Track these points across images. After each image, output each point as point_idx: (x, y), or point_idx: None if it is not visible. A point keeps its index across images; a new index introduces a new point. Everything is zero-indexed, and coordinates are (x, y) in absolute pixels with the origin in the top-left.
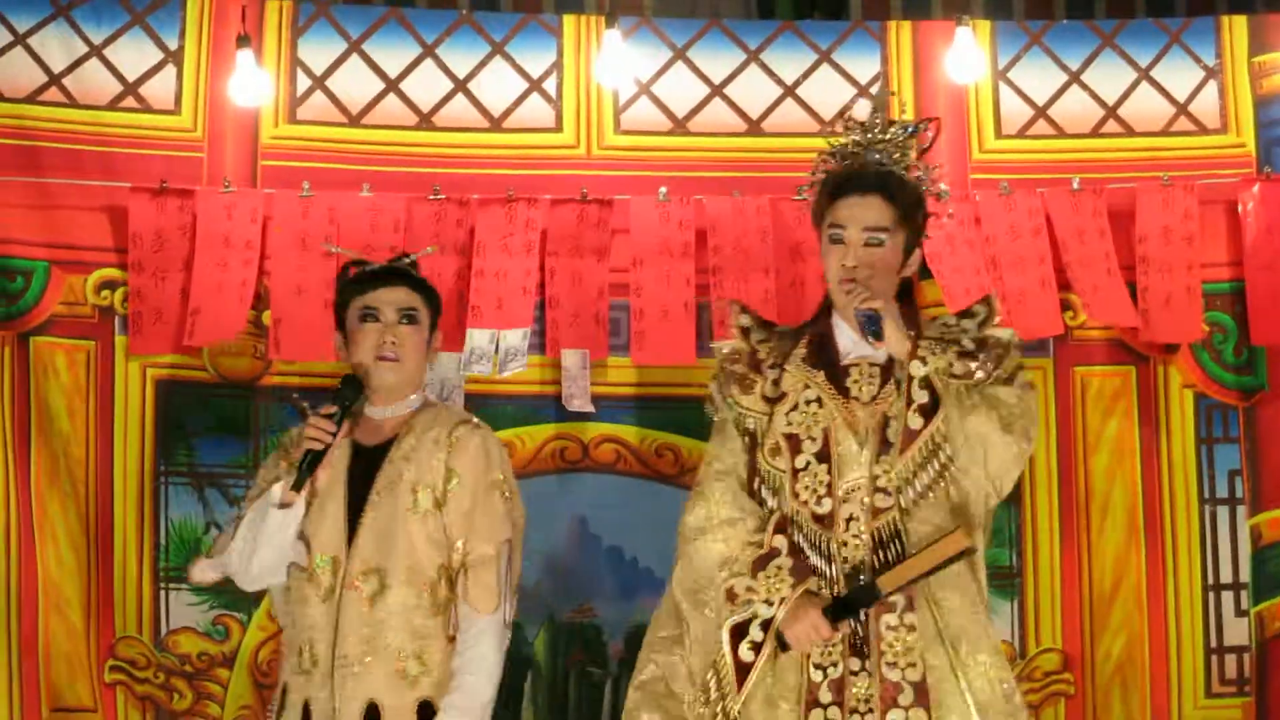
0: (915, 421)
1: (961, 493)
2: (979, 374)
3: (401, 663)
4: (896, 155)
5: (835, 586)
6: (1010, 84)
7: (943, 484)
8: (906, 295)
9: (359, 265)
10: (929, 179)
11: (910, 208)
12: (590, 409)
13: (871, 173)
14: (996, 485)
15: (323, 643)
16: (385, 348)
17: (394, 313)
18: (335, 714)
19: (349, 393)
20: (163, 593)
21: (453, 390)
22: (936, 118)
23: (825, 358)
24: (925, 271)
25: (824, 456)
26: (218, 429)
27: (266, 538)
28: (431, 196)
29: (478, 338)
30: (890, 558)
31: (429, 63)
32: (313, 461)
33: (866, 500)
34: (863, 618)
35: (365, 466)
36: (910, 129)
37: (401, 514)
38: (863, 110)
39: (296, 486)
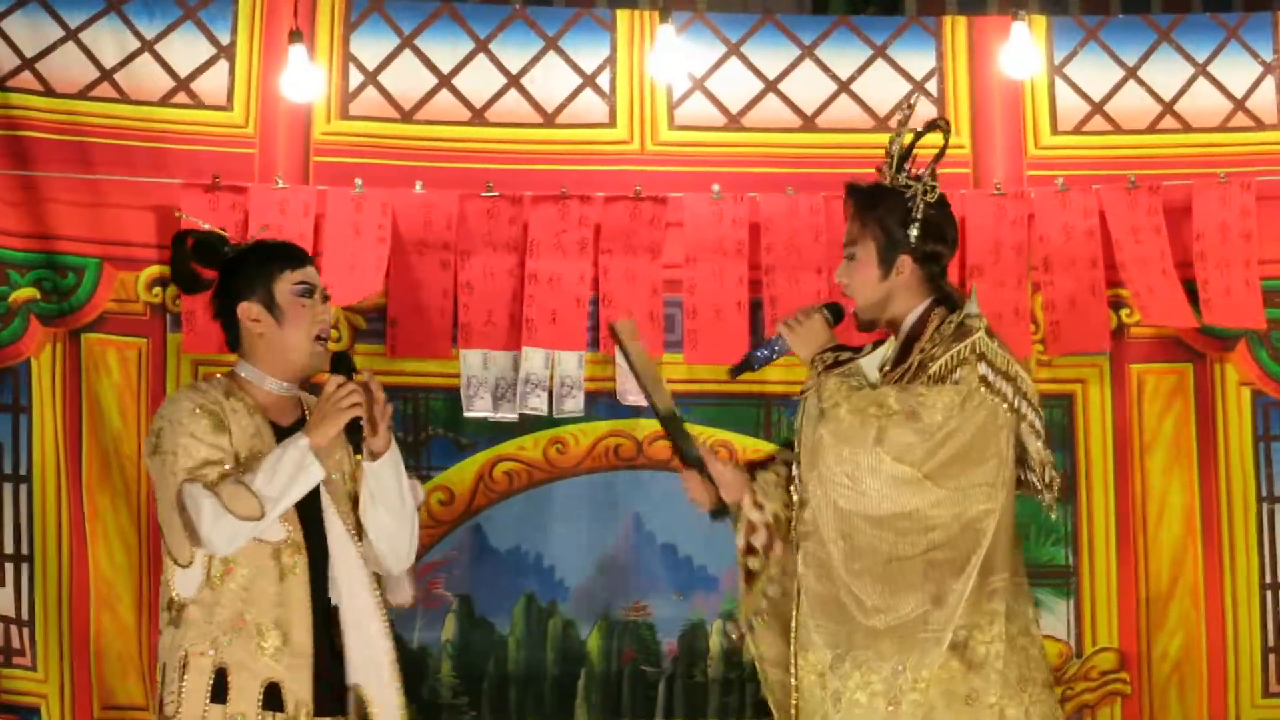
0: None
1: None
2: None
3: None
4: (893, 164)
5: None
6: (1066, 79)
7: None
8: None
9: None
10: (914, 185)
11: (875, 214)
12: (645, 404)
13: (846, 187)
14: (832, 496)
15: (295, 625)
16: (324, 328)
17: (321, 293)
18: (332, 693)
19: (350, 366)
20: None
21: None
22: (945, 119)
23: None
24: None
25: None
26: None
27: (290, 500)
28: (484, 193)
29: (533, 360)
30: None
31: (481, 58)
32: (360, 427)
33: None
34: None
35: None
36: (912, 135)
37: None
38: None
39: (358, 451)
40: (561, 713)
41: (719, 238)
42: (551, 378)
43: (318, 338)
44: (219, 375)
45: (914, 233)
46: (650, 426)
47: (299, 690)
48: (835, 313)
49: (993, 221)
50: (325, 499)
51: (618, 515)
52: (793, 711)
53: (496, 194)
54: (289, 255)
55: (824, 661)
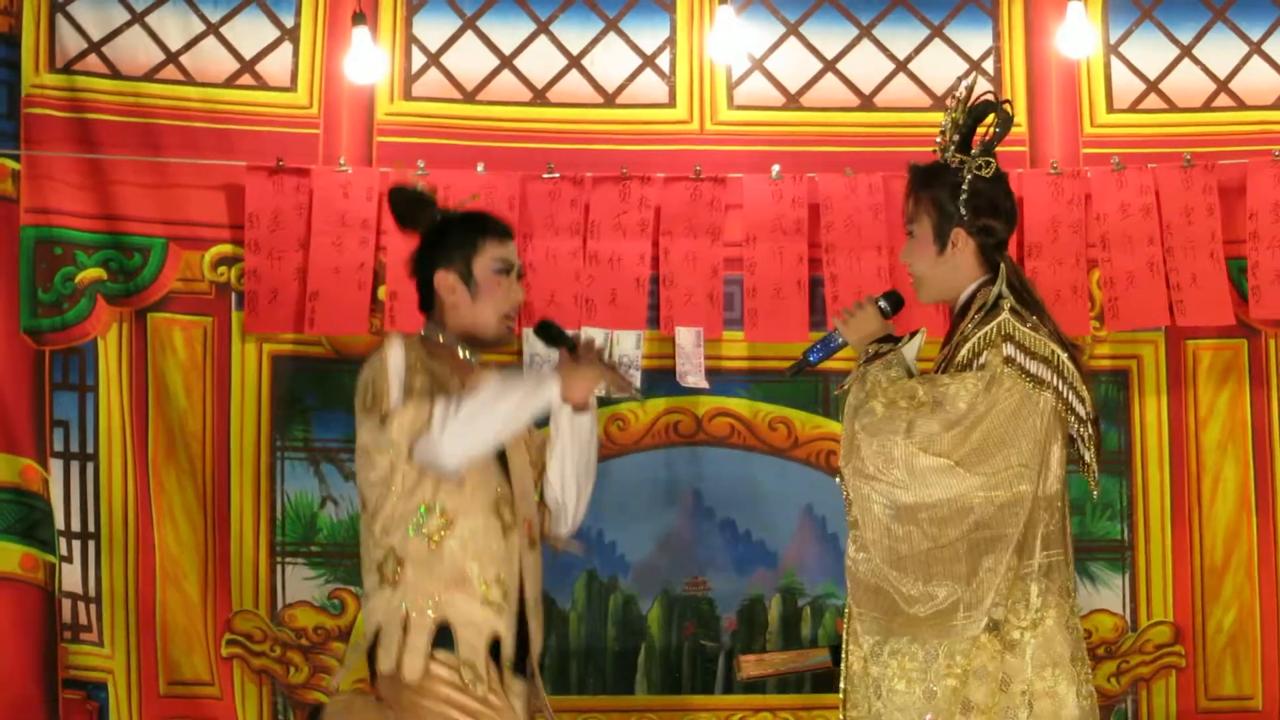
0: None
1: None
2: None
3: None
4: (953, 139)
5: None
6: (1121, 58)
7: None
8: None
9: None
10: (967, 160)
11: (929, 192)
12: (704, 385)
13: (908, 169)
14: (865, 487)
15: (511, 579)
16: (515, 307)
17: (517, 270)
18: (523, 654)
19: (562, 333)
20: (279, 567)
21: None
22: (1007, 100)
23: None
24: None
25: None
26: (334, 404)
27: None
28: (546, 175)
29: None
30: None
31: (543, 39)
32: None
33: None
34: None
35: None
36: (973, 110)
37: (524, 466)
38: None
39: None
40: (621, 686)
41: (778, 217)
42: (611, 357)
43: (506, 315)
44: (413, 336)
45: (964, 206)
46: (710, 403)
47: (509, 647)
48: (893, 301)
49: (1050, 200)
50: (517, 460)
51: (677, 491)
52: (841, 697)
53: (558, 175)
54: (493, 230)
55: (866, 648)
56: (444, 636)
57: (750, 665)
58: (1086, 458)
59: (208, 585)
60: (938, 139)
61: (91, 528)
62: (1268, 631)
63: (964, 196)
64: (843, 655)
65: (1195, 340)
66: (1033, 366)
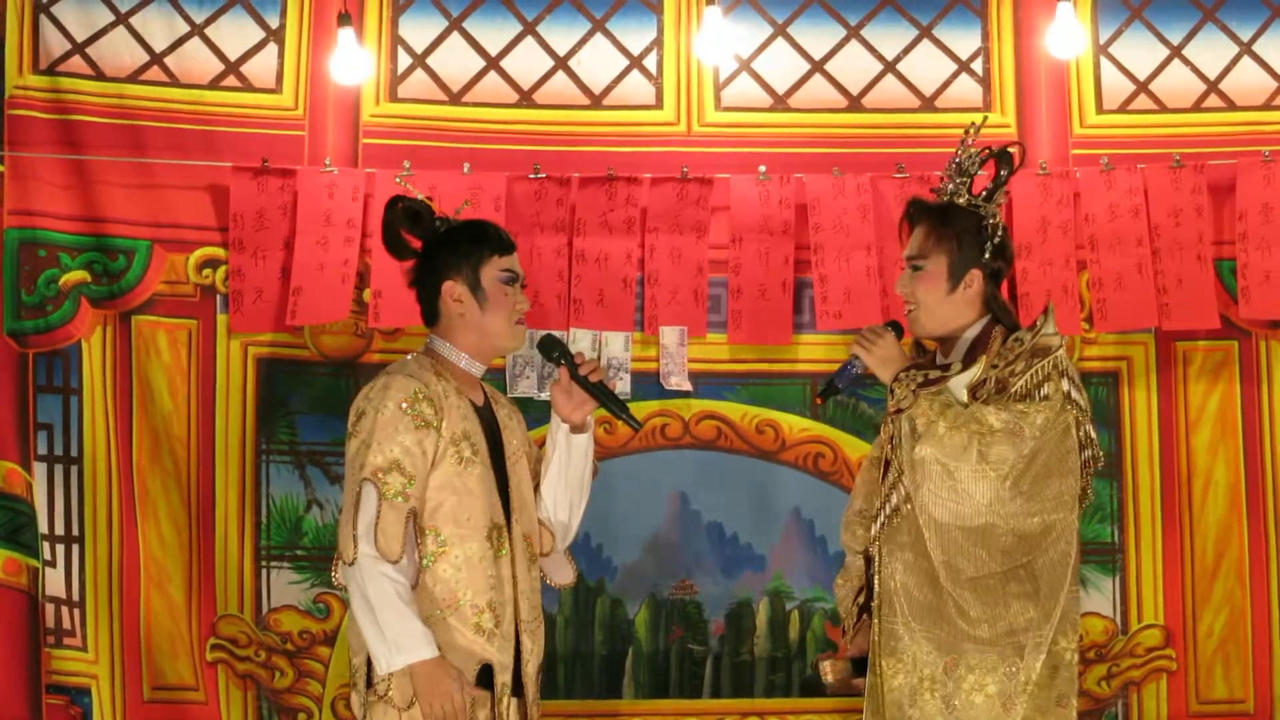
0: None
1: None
2: (901, 408)
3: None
4: (963, 181)
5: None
6: (1111, 58)
7: (899, 512)
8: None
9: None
10: (984, 204)
11: (949, 230)
12: (688, 387)
13: (911, 204)
14: (935, 510)
15: (503, 606)
16: (522, 315)
17: (520, 280)
18: (517, 676)
19: (563, 349)
20: (264, 571)
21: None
22: (1017, 142)
23: None
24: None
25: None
26: (319, 407)
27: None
28: (532, 175)
29: (580, 341)
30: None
31: (529, 40)
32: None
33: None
34: None
35: (487, 424)
36: (981, 157)
37: (525, 478)
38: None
39: (619, 416)
40: (609, 691)
41: (765, 218)
42: (599, 358)
43: (515, 325)
44: (419, 354)
45: (989, 250)
46: (697, 406)
47: (504, 672)
48: (899, 331)
49: (1039, 201)
50: (517, 474)
51: (664, 495)
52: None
53: (544, 176)
54: (498, 241)
55: (933, 667)
56: None
57: (830, 671)
58: (1088, 488)
59: (192, 589)
60: (946, 183)
61: (75, 531)
62: (1259, 634)
63: (994, 243)
64: (877, 675)
65: (1185, 342)
66: (1079, 400)
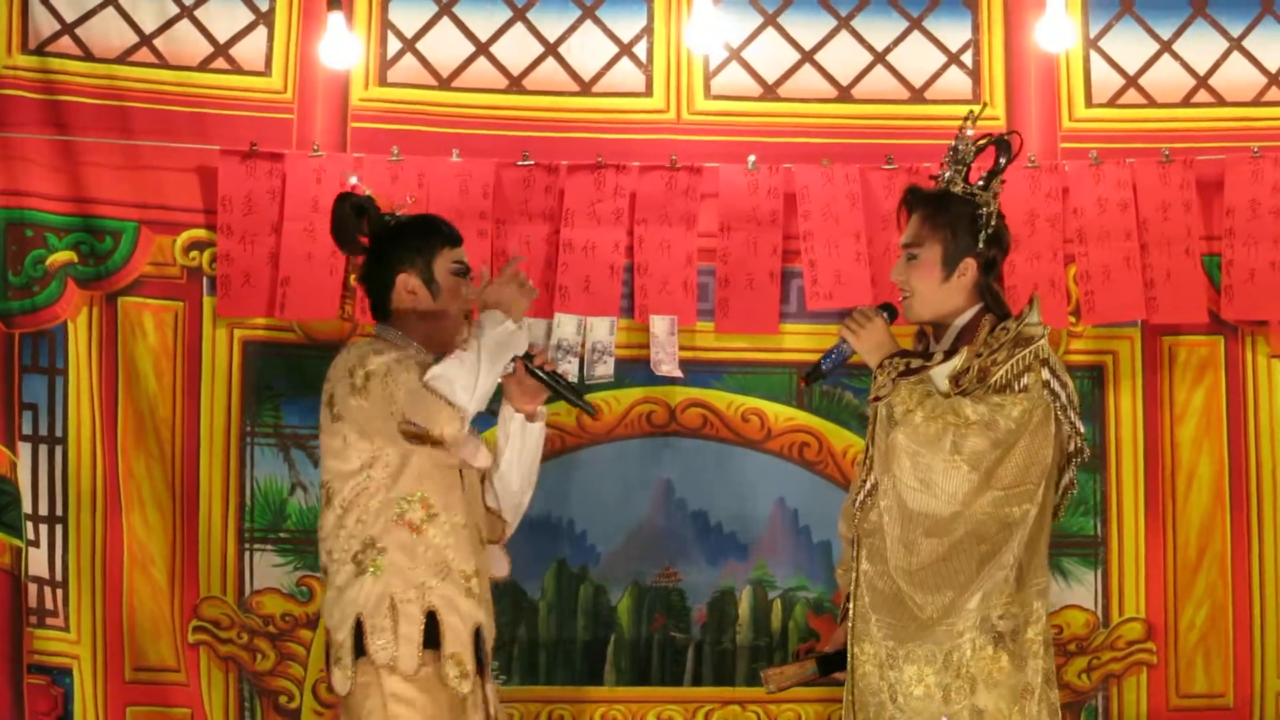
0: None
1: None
2: (879, 395)
3: None
4: (959, 169)
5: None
6: (1101, 52)
7: (871, 497)
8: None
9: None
10: (980, 192)
11: (944, 218)
12: (678, 374)
13: (909, 191)
14: (903, 498)
15: (481, 569)
16: (472, 306)
17: (469, 272)
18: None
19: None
20: (247, 553)
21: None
22: (1015, 132)
23: None
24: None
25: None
26: (304, 390)
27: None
28: (520, 162)
29: (565, 326)
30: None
31: (519, 26)
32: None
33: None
34: None
35: None
36: (978, 144)
37: (471, 470)
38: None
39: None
40: (591, 678)
41: (754, 207)
42: (583, 342)
43: (465, 316)
44: (364, 339)
45: (983, 239)
46: (684, 394)
47: (489, 637)
48: (891, 314)
49: (1027, 194)
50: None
51: (649, 482)
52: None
53: (532, 163)
54: (449, 234)
55: (882, 654)
56: (431, 626)
57: (772, 680)
58: (1071, 476)
59: (175, 571)
60: (945, 171)
61: (59, 512)
62: (1240, 629)
63: (989, 232)
64: (850, 663)
65: (1171, 336)
66: (1060, 391)
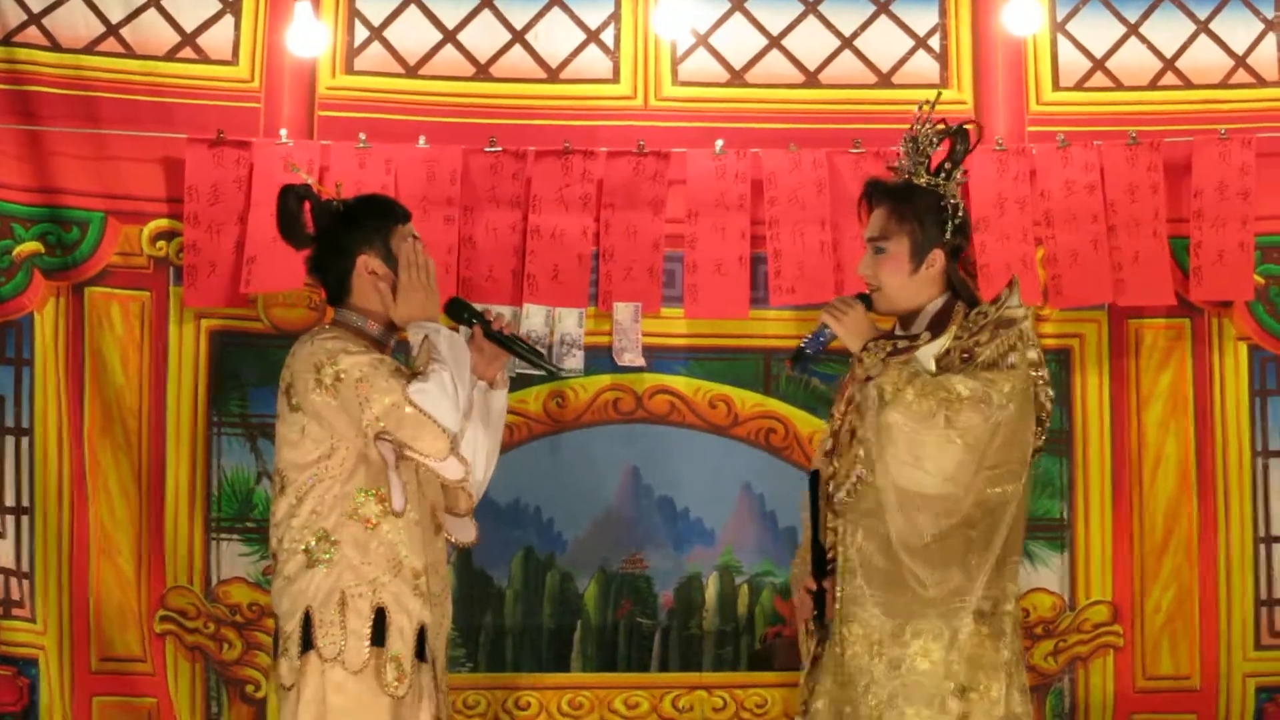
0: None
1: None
2: (870, 376)
3: None
4: (920, 159)
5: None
6: (1068, 36)
7: (863, 480)
8: (961, 291)
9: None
10: (943, 183)
11: (910, 211)
12: (641, 363)
13: (871, 185)
14: (899, 477)
15: (434, 568)
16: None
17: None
18: (433, 642)
19: (470, 308)
20: (214, 543)
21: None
22: (973, 120)
23: None
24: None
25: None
26: (271, 380)
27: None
28: (488, 148)
29: (534, 317)
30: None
31: (486, 13)
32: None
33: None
34: None
35: None
36: (938, 134)
37: None
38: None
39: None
40: (558, 664)
41: (721, 193)
42: (552, 334)
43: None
44: (328, 327)
45: (949, 229)
46: (650, 380)
47: (436, 636)
48: (868, 304)
49: (995, 177)
50: None
51: (616, 468)
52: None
53: (500, 149)
54: (400, 210)
55: (882, 631)
56: (379, 623)
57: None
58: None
59: (142, 561)
60: (904, 160)
61: (25, 502)
62: (1206, 611)
63: (954, 222)
64: (839, 645)
65: (1138, 319)
66: (1042, 372)
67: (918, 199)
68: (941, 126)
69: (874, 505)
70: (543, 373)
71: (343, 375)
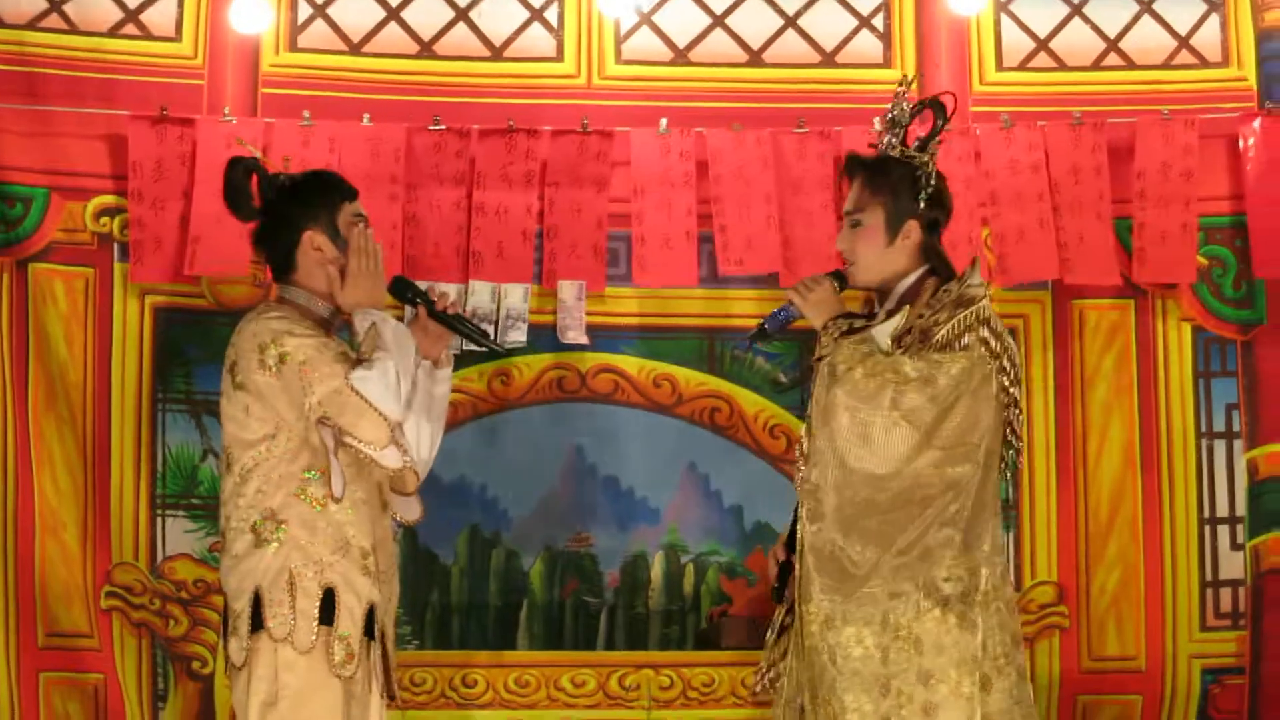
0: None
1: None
2: (821, 354)
3: None
4: (895, 133)
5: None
6: (1012, 16)
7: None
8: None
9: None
10: (918, 154)
11: (885, 182)
12: (584, 341)
13: (848, 159)
14: (842, 455)
15: (381, 545)
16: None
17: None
18: (382, 620)
19: (413, 288)
20: (159, 519)
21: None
22: (949, 93)
23: None
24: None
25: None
26: (216, 357)
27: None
28: (432, 127)
29: (480, 293)
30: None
31: None
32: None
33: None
34: None
35: None
36: (914, 108)
37: None
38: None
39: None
40: (503, 642)
41: (666, 170)
42: (498, 310)
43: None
44: (272, 304)
45: (923, 202)
46: (595, 359)
47: (384, 614)
48: (841, 281)
49: (940, 157)
50: None
51: (561, 447)
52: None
53: (444, 127)
54: (347, 187)
55: (830, 612)
56: (327, 603)
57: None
58: (1015, 443)
59: (87, 536)
60: (883, 135)
61: None
62: (1151, 592)
63: (928, 192)
64: (798, 623)
65: (1082, 300)
66: (1000, 352)
67: (891, 170)
68: (918, 104)
69: (814, 484)
70: (487, 350)
71: (286, 357)
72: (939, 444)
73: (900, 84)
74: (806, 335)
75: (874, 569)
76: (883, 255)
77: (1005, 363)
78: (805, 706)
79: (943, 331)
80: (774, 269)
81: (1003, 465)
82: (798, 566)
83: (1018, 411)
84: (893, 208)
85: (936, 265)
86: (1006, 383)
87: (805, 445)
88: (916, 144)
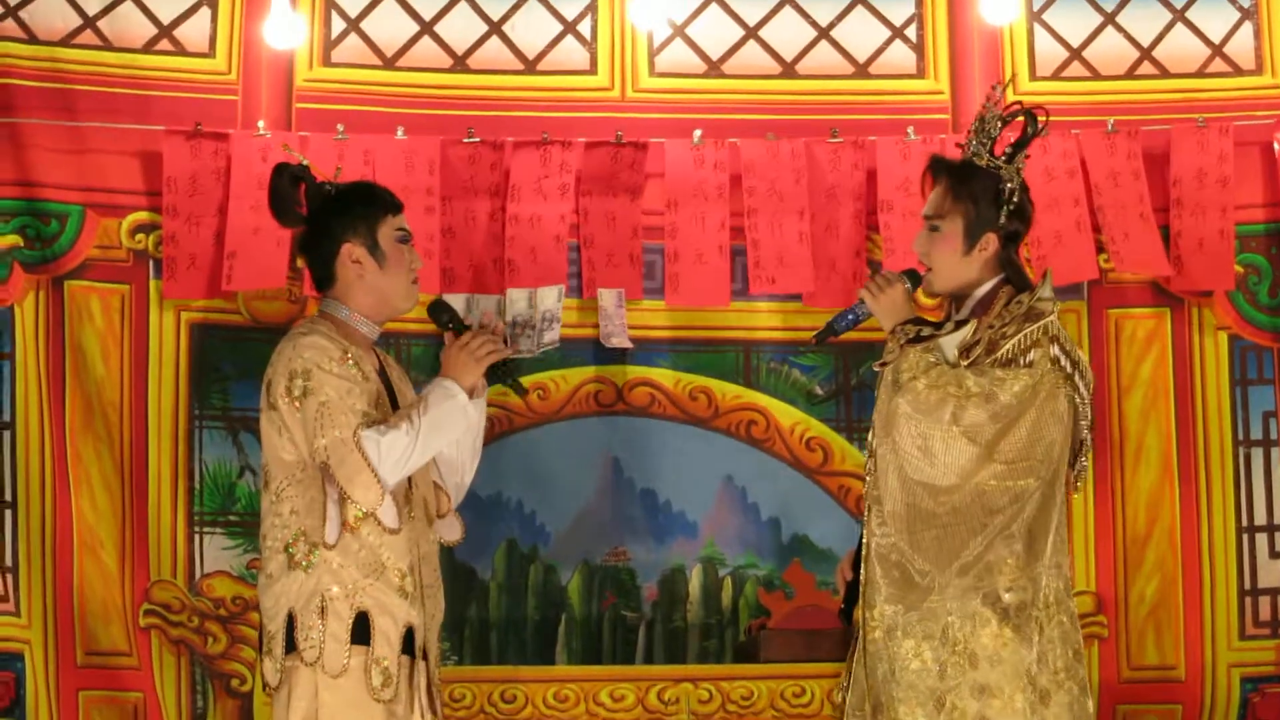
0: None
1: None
2: (886, 360)
3: None
4: (983, 140)
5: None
6: (1045, 25)
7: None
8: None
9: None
10: (1004, 165)
11: (967, 191)
12: (629, 345)
13: (932, 161)
14: (903, 465)
15: (419, 565)
16: (416, 273)
17: (411, 238)
18: (424, 637)
19: (452, 313)
20: (197, 536)
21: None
22: (1041, 108)
23: None
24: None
25: None
26: (252, 373)
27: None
28: (466, 139)
29: (518, 302)
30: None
31: (463, 5)
32: (506, 366)
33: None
34: None
35: (387, 388)
36: (1003, 117)
37: None
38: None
39: (504, 384)
40: (542, 657)
41: (700, 183)
42: (535, 314)
43: (412, 283)
44: (315, 319)
45: (1004, 214)
46: (632, 372)
47: (425, 634)
48: (915, 281)
49: None
50: None
51: (597, 461)
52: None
53: (478, 140)
54: (391, 201)
55: (893, 620)
56: (361, 626)
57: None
58: (1084, 461)
59: (125, 555)
60: (972, 142)
61: (8, 497)
62: (1190, 601)
63: (1011, 206)
64: (862, 629)
65: (1117, 309)
66: (1070, 370)
67: (975, 179)
68: (1010, 111)
69: (879, 491)
70: (509, 384)
71: (309, 392)
72: (1001, 458)
73: (993, 88)
74: (841, 349)
75: (940, 578)
76: (958, 264)
77: (1077, 380)
78: (869, 717)
79: (1009, 345)
80: (805, 288)
81: (1074, 478)
82: (862, 574)
83: (1087, 424)
84: (973, 217)
85: (1012, 276)
86: (1077, 399)
87: (871, 449)
88: (1005, 155)
